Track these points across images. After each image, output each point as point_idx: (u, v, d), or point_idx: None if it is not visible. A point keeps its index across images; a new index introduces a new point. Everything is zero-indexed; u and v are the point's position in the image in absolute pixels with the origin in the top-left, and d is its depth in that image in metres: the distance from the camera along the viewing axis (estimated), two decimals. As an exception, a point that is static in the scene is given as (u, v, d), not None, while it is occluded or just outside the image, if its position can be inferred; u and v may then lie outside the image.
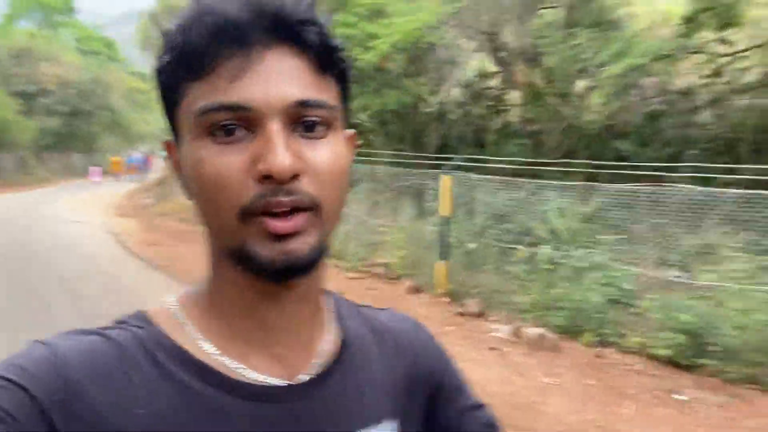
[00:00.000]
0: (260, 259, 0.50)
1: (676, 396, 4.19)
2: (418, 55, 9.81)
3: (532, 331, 5.22)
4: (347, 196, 0.56)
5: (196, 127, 0.50)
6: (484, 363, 4.80)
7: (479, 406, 0.68)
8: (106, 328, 0.54)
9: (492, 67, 11.02)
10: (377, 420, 0.60)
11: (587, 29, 8.24)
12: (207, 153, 0.49)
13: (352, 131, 0.59)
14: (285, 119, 0.49)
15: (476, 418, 0.67)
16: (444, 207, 6.79)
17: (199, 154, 0.50)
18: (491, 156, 8.41)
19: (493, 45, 10.15)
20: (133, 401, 0.49)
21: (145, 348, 0.52)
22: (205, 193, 0.50)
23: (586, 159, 7.77)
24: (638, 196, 5.79)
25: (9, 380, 0.46)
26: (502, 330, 5.54)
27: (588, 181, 6.52)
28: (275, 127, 0.48)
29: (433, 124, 10.95)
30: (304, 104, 0.50)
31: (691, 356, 4.50)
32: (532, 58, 9.68)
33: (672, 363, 4.62)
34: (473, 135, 10.98)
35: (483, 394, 0.71)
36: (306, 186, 0.50)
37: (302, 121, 0.50)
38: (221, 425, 0.51)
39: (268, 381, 0.55)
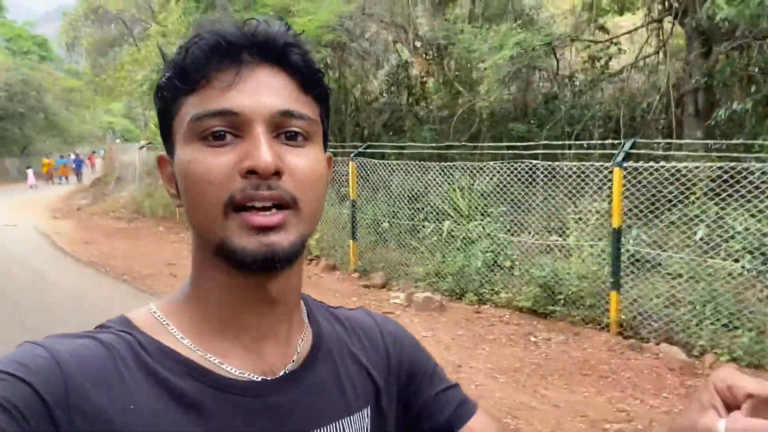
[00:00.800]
0: (242, 251, 0.53)
1: (531, 338, 4.98)
2: (341, 48, 10.35)
3: (421, 295, 5.94)
4: (323, 206, 0.61)
5: (189, 132, 0.55)
6: (377, 324, 5.49)
7: (452, 387, 0.74)
8: (94, 332, 0.57)
9: (410, 58, 11.70)
10: (351, 411, 0.64)
11: (482, 21, 8.99)
12: (198, 154, 0.54)
13: (329, 154, 0.65)
14: (269, 126, 0.55)
15: (450, 398, 0.72)
16: (352, 191, 7.43)
17: (191, 155, 0.55)
18: (409, 142, 9.10)
19: (408, 37, 10.81)
20: (127, 398, 0.52)
21: (132, 349, 0.55)
22: (193, 190, 0.55)
23: (489, 141, 8.55)
24: (534, 172, 6.49)
25: (10, 374, 0.48)
26: (399, 297, 6.26)
27: (493, 161, 7.22)
28: (260, 130, 0.54)
29: (356, 114, 11.56)
30: (287, 114, 0.56)
31: (546, 305, 5.31)
32: (444, 49, 10.41)
33: (532, 312, 5.43)
34: (395, 123, 11.69)
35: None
36: (286, 184, 0.55)
37: (285, 130, 0.56)
38: (203, 418, 0.54)
39: (246, 376, 0.58)
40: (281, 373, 0.60)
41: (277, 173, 0.54)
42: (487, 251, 6.08)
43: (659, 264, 5.10)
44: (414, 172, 7.11)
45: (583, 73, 8.44)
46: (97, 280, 7.54)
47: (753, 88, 7.08)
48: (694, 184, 4.90)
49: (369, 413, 0.66)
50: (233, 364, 0.58)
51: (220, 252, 0.55)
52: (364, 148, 7.71)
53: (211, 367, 0.57)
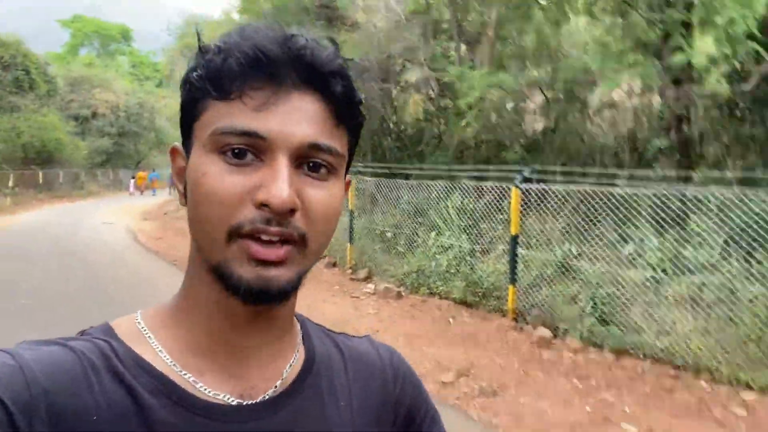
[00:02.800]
0: (238, 279, 0.51)
1: (449, 320, 6.34)
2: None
3: (383, 286, 7.44)
4: (331, 238, 0.58)
5: (210, 143, 0.53)
6: (340, 304, 7.06)
7: None
8: (68, 339, 0.55)
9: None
10: None
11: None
12: (214, 169, 0.52)
13: (348, 178, 0.62)
14: (294, 156, 0.52)
15: None
16: (351, 202, 9.09)
17: (207, 168, 0.52)
18: (427, 164, 10.62)
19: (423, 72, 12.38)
20: (92, 408, 0.50)
21: (106, 358, 0.53)
22: (201, 205, 0.52)
23: (475, 164, 9.88)
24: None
25: None
26: (370, 287, 7.79)
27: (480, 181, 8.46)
28: (283, 161, 0.51)
29: (387, 139, 13.26)
30: (315, 147, 0.53)
31: (470, 297, 6.64)
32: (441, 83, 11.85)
33: (460, 302, 6.77)
34: (421, 147, 13.27)
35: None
36: (298, 221, 0.52)
37: (309, 161, 0.53)
38: None
39: (221, 398, 0.55)
40: (260, 398, 0.57)
41: (292, 210, 0.51)
42: (448, 254, 7.47)
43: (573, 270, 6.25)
44: (419, 190, 8.62)
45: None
46: (156, 262, 9.71)
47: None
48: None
49: None
50: (209, 385, 0.56)
51: (215, 272, 0.53)
52: (363, 167, 9.39)
53: (185, 386, 0.55)
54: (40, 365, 0.50)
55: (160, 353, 0.56)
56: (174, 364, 0.56)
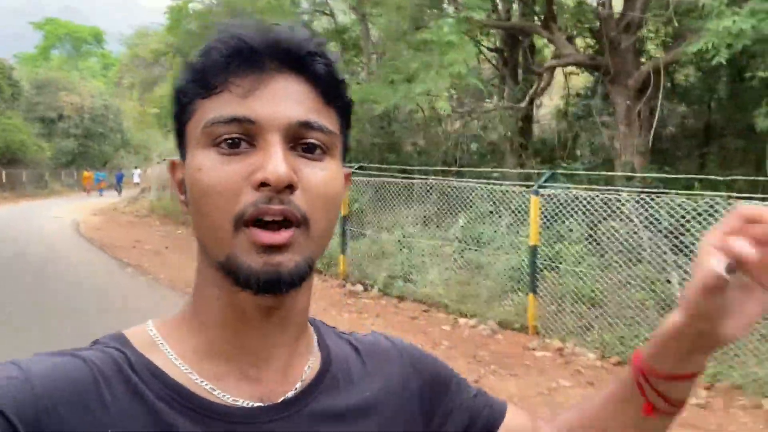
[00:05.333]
0: (247, 270, 0.51)
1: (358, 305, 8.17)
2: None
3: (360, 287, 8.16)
4: (335, 226, 0.57)
5: (203, 138, 0.53)
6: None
7: (478, 393, 0.73)
8: (80, 349, 0.54)
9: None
10: None
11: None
12: (209, 161, 0.52)
13: (348, 170, 0.62)
14: (286, 136, 0.52)
15: (480, 403, 0.72)
16: (344, 210, 10.54)
17: (202, 162, 0.53)
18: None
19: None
20: (106, 422, 0.49)
21: (119, 368, 0.53)
22: (202, 199, 0.52)
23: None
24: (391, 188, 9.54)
25: None
26: (353, 288, 8.62)
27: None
28: (276, 140, 0.52)
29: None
30: (306, 125, 0.53)
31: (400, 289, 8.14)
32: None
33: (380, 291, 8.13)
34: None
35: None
36: (298, 200, 0.52)
37: (302, 141, 0.53)
38: None
39: (239, 403, 0.55)
40: (279, 400, 0.57)
41: (290, 187, 0.51)
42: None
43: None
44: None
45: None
46: (87, 248, 11.41)
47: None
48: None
49: None
50: (226, 390, 0.55)
51: (224, 268, 0.53)
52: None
53: (201, 393, 0.54)
54: (49, 378, 0.49)
55: (175, 361, 0.55)
56: (190, 372, 0.55)
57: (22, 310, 6.47)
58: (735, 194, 4.87)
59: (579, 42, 9.38)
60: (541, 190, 5.80)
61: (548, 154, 11.28)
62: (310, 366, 0.62)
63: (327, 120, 0.55)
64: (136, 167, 34.80)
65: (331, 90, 0.56)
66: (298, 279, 0.53)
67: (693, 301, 0.53)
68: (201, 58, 0.54)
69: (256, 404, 0.56)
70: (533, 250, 5.73)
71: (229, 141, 0.52)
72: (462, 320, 6.13)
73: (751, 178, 5.76)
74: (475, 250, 7.00)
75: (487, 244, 7.06)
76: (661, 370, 0.59)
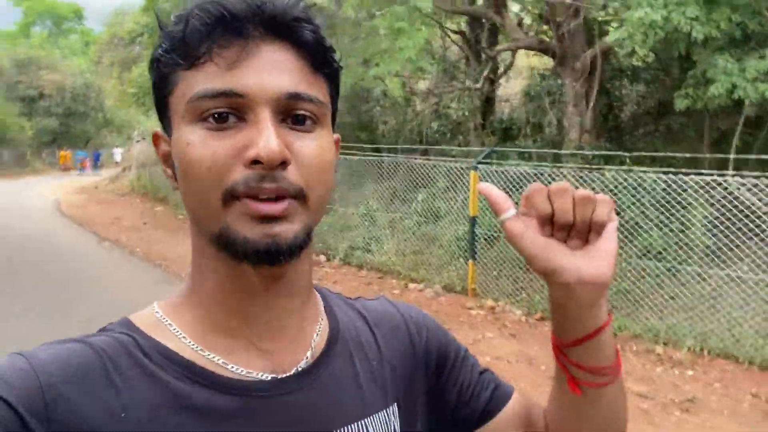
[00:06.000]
0: (244, 241, 0.50)
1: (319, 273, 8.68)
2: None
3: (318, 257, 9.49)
4: (331, 192, 0.57)
5: (189, 112, 0.51)
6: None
7: (485, 371, 0.74)
8: (88, 335, 0.54)
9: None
10: (374, 409, 0.61)
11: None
12: (198, 137, 0.51)
13: (337, 135, 0.61)
14: (276, 109, 0.51)
15: (485, 382, 0.72)
16: None
17: (190, 137, 0.51)
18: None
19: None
20: (118, 405, 0.49)
21: (128, 351, 0.53)
22: (191, 176, 0.51)
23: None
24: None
25: None
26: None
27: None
28: (266, 115, 0.50)
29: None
30: (295, 97, 0.52)
31: (359, 258, 8.85)
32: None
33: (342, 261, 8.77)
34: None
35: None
36: (292, 175, 0.51)
37: (292, 114, 0.52)
38: (206, 423, 0.51)
39: (252, 376, 0.55)
40: (293, 371, 0.57)
41: (284, 163, 0.50)
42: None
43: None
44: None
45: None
46: (67, 225, 11.80)
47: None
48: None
49: (396, 411, 0.63)
50: (239, 363, 0.55)
51: (219, 241, 0.52)
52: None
53: (214, 368, 0.54)
54: (55, 366, 0.49)
55: (183, 339, 0.55)
56: (200, 349, 0.55)
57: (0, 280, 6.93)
58: (660, 169, 5.43)
59: (535, 26, 9.83)
60: (481, 167, 6.31)
61: (515, 133, 11.79)
62: (318, 332, 0.62)
63: (316, 89, 0.54)
64: (117, 146, 34.84)
65: (319, 57, 0.55)
66: (297, 249, 0.52)
67: (526, 256, 0.58)
68: (180, 25, 0.52)
69: (270, 376, 0.56)
70: (473, 221, 6.28)
71: (216, 115, 0.51)
72: (412, 285, 6.69)
73: (673, 154, 6.30)
74: (433, 222, 7.54)
75: (444, 218, 7.61)
76: (567, 339, 0.61)
